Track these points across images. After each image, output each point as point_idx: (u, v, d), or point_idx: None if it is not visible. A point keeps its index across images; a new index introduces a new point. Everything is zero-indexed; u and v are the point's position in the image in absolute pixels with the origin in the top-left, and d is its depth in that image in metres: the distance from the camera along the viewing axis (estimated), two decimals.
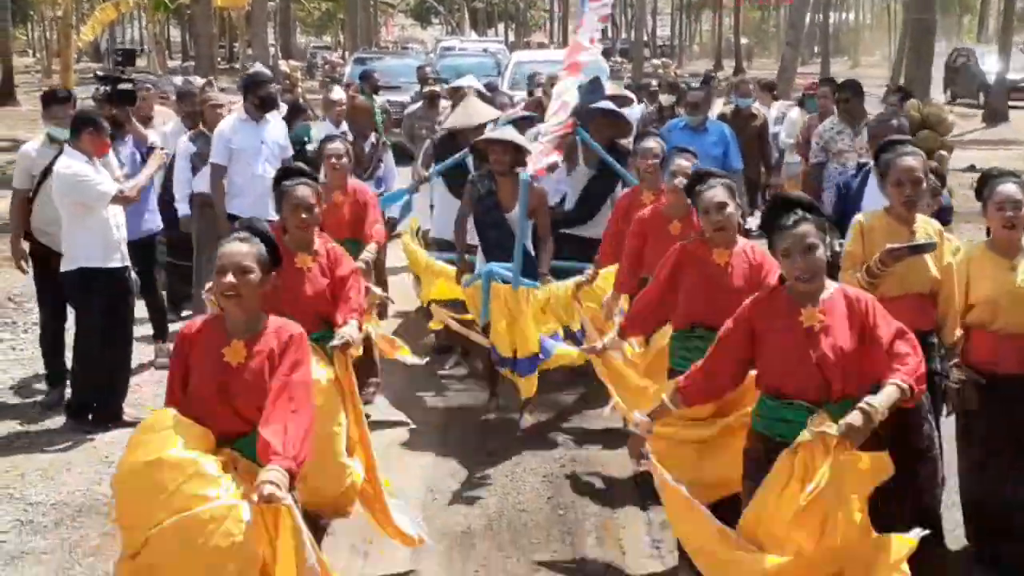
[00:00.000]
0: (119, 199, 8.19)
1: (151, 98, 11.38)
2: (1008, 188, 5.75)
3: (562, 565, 6.21)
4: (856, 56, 73.78)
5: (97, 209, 8.09)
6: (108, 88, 9.59)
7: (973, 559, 6.04)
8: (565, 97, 9.07)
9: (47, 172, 8.32)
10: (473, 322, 8.46)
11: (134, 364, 8.70)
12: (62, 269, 8.23)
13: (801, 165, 12.90)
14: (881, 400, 4.33)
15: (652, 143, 7.91)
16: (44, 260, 8.56)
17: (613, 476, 7.38)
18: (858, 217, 6.00)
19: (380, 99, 15.80)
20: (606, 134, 9.24)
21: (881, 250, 5.52)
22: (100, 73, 12.82)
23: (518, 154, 8.11)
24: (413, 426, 8.22)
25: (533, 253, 8.21)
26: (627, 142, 9.70)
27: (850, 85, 10.87)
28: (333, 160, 7.97)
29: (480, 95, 11.31)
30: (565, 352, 7.86)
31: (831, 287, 4.68)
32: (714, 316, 5.23)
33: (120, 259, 8.28)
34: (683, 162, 6.84)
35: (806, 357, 4.54)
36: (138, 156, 9.51)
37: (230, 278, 4.37)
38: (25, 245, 8.69)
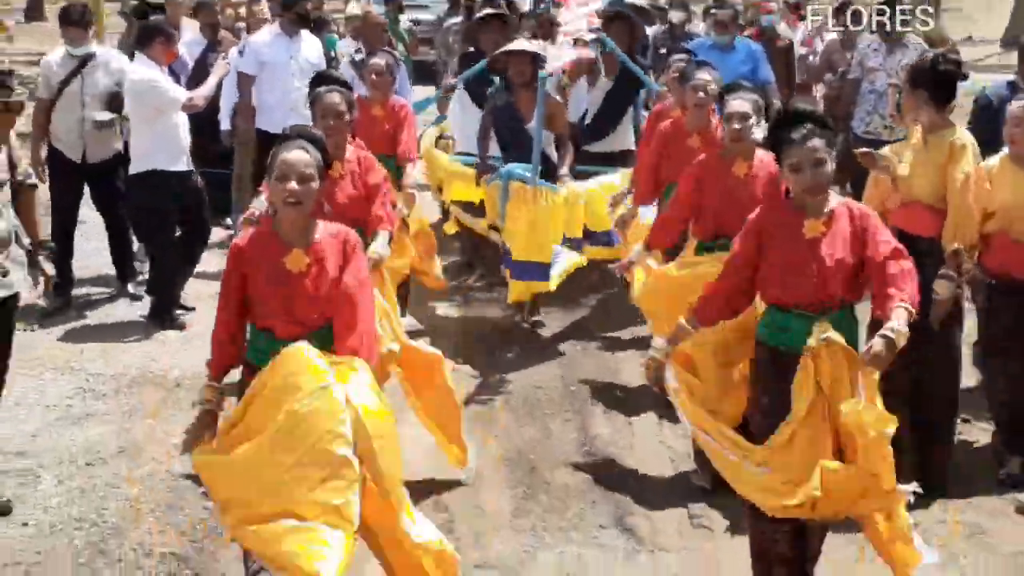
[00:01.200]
0: (187, 105, 8.50)
1: (179, 9, 11.47)
2: (1016, 107, 6.03)
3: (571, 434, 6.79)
4: None
5: (168, 113, 8.42)
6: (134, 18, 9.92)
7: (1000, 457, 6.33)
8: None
9: (67, 82, 8.63)
10: (491, 227, 8.65)
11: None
12: (131, 171, 8.60)
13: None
14: (901, 325, 4.31)
15: (682, 61, 7.83)
16: (59, 165, 8.80)
17: (629, 384, 7.77)
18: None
19: (404, 18, 15.98)
20: (623, 40, 9.33)
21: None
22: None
23: (536, 65, 8.24)
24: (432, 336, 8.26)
25: (554, 160, 8.36)
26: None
27: (888, 3, 10.65)
28: (374, 76, 7.92)
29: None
30: (570, 263, 8.15)
31: (835, 200, 4.73)
32: (737, 226, 5.15)
33: (186, 163, 8.61)
34: (705, 76, 6.87)
35: (808, 267, 4.62)
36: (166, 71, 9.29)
37: (293, 185, 4.39)
38: (44, 152, 8.88)
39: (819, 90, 13.09)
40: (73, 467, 6.31)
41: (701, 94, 6.81)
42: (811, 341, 4.51)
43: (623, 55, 9.18)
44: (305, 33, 10.07)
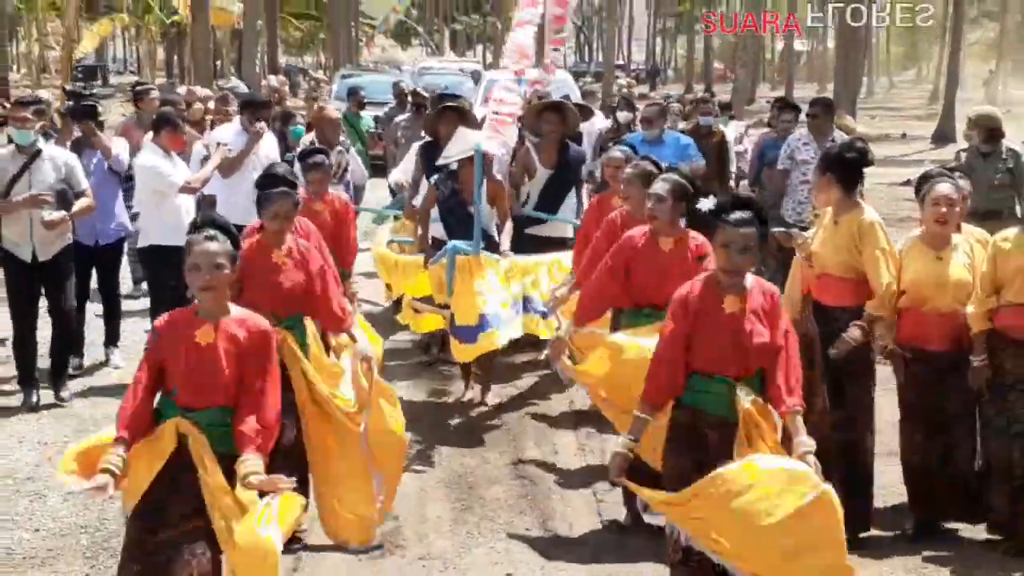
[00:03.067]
0: (185, 188, 9.27)
1: (150, 104, 11.95)
2: (944, 187, 6.48)
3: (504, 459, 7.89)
4: (824, 82, 75.50)
5: (169, 196, 9.21)
6: (72, 103, 10.20)
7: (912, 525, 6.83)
8: (512, 90, 9.44)
9: (15, 179, 8.64)
10: (441, 307, 8.86)
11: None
12: (138, 245, 9.65)
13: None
14: (808, 438, 4.96)
15: (617, 152, 8.38)
16: (10, 265, 8.96)
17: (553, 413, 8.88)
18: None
19: (367, 115, 16.98)
20: (553, 128, 9.83)
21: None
22: (68, 88, 14.05)
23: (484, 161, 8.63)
24: None
25: (496, 237, 8.90)
26: (579, 149, 10.51)
27: (821, 102, 11.63)
28: (318, 174, 8.18)
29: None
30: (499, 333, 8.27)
31: (750, 279, 5.13)
32: (662, 297, 5.80)
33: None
34: (615, 154, 7.77)
35: (728, 339, 5.05)
36: (105, 166, 9.79)
37: (206, 275, 4.81)
38: None
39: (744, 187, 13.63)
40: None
41: (620, 170, 7.68)
42: (744, 403, 5.04)
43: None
44: (266, 134, 10.62)
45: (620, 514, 6.95)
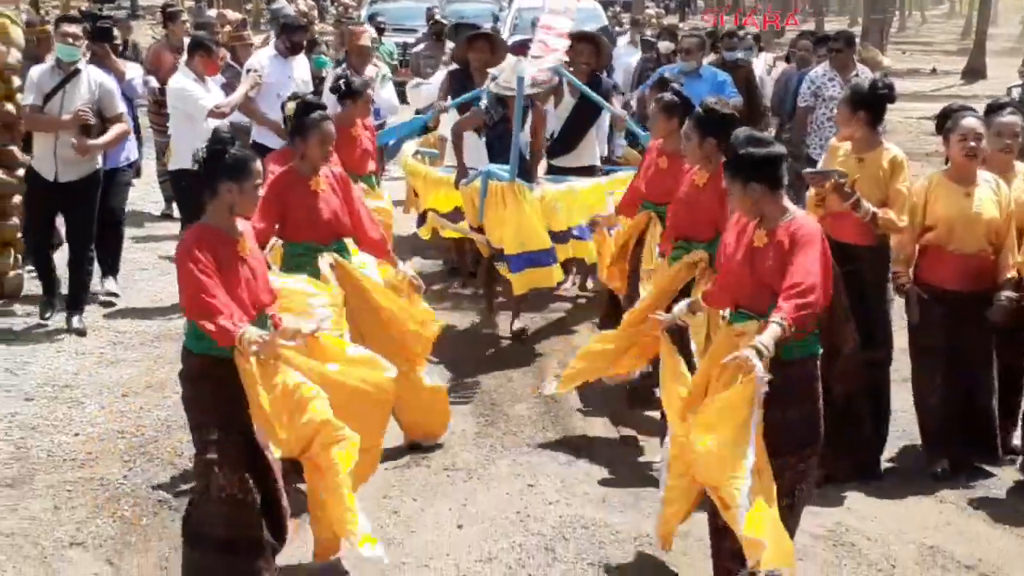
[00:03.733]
0: (214, 113, 9.13)
1: (180, 28, 12.36)
2: (970, 120, 6.41)
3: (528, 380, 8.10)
4: (856, 15, 74.82)
5: (198, 119, 9.09)
6: (87, 25, 9.84)
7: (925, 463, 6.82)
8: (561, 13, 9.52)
9: (50, 95, 8.64)
10: (472, 227, 8.88)
11: None
12: (170, 167, 9.72)
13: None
14: (767, 339, 4.57)
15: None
16: (33, 182, 8.95)
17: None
18: (832, 140, 6.85)
19: (388, 41, 17.03)
20: (585, 60, 9.67)
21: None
22: (83, 9, 14.12)
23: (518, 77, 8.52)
24: None
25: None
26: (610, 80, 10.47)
27: (844, 36, 11.39)
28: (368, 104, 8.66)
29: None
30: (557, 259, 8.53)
31: (788, 216, 4.93)
32: (694, 231, 6.44)
33: None
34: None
35: (749, 274, 4.98)
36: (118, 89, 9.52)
37: (261, 189, 5.08)
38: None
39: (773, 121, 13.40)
40: (111, 396, 7.60)
41: (653, 106, 7.54)
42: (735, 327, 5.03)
43: (582, 85, 9.50)
44: (299, 56, 10.76)
45: (635, 431, 7.24)
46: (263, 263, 5.22)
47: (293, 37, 10.54)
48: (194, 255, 4.73)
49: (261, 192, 5.05)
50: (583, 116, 9.87)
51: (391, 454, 6.67)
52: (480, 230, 8.72)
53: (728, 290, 5.21)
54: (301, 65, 10.79)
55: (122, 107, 9.06)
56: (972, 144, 6.37)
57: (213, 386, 4.88)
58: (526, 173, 8.71)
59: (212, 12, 17.98)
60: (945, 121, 6.55)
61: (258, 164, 4.97)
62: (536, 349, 8.91)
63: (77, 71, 8.73)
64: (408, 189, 10.71)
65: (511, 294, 8.97)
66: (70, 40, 8.66)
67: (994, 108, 6.74)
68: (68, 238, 9.14)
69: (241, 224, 5.05)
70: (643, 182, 7.41)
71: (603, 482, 6.58)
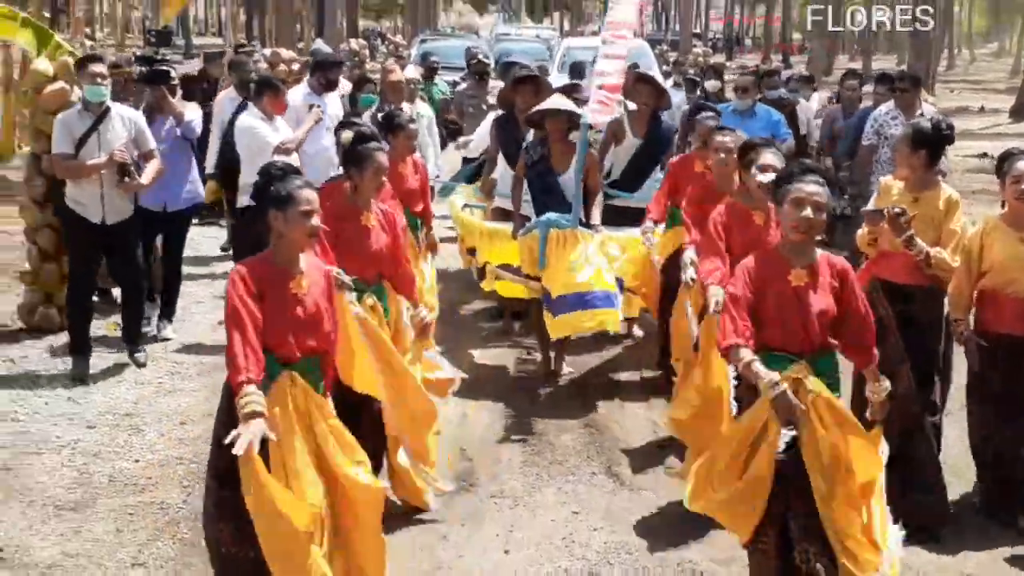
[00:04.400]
0: (280, 149, 9.07)
1: (216, 68, 12.77)
2: (1023, 164, 6.32)
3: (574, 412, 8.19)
4: (902, 53, 74.79)
5: (264, 155, 8.71)
6: (144, 69, 10.08)
7: (985, 515, 6.67)
8: (618, 55, 9.31)
9: (84, 138, 8.52)
10: (528, 277, 8.74)
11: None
12: (238, 205, 9.66)
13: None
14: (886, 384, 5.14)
15: (709, 120, 8.48)
16: (77, 226, 8.75)
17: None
18: (884, 178, 6.83)
19: (440, 81, 17.20)
20: (645, 100, 9.66)
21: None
22: (138, 53, 14.14)
23: (571, 121, 8.64)
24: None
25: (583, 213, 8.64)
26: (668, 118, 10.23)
27: (910, 76, 11.47)
28: (411, 140, 8.45)
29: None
30: (605, 312, 8.15)
31: (817, 253, 5.05)
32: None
33: None
34: (723, 139, 7.39)
35: (793, 313, 4.94)
36: (176, 131, 9.69)
37: (316, 220, 4.92)
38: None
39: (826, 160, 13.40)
40: (170, 424, 7.85)
41: (722, 155, 7.37)
42: (787, 372, 4.89)
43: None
44: (332, 93, 10.90)
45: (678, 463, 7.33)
46: (327, 305, 5.07)
47: (328, 74, 10.74)
48: (232, 287, 4.77)
49: (314, 221, 4.91)
50: (645, 159, 9.87)
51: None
52: (539, 279, 8.57)
53: (769, 331, 4.99)
54: (334, 102, 10.90)
55: (153, 143, 8.96)
56: (1023, 187, 6.28)
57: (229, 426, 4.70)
58: (586, 219, 8.63)
59: (267, 51, 18.32)
60: (1003, 164, 6.47)
61: (306, 192, 4.90)
62: (581, 387, 8.98)
63: (107, 111, 8.65)
64: (460, 241, 10.61)
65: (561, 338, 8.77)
66: (98, 80, 8.60)
67: (1009, 154, 6.55)
68: (119, 279, 9.24)
69: (307, 262, 5.03)
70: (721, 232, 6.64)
71: (646, 510, 6.74)
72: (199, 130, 9.94)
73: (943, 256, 6.29)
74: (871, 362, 5.22)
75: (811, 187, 4.92)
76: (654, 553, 6.15)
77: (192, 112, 9.89)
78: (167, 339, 9.74)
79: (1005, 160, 6.44)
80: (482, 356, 9.62)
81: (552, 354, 9.13)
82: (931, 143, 6.50)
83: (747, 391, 5.13)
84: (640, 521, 6.59)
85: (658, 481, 7.19)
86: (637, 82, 9.94)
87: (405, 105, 10.66)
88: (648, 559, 6.08)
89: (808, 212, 4.89)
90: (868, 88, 14.67)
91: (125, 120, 8.76)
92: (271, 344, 4.81)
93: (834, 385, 5.06)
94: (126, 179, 8.50)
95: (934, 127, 6.54)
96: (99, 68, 8.74)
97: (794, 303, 4.96)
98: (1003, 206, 6.51)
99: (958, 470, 7.06)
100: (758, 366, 4.83)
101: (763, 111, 11.32)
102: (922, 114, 9.84)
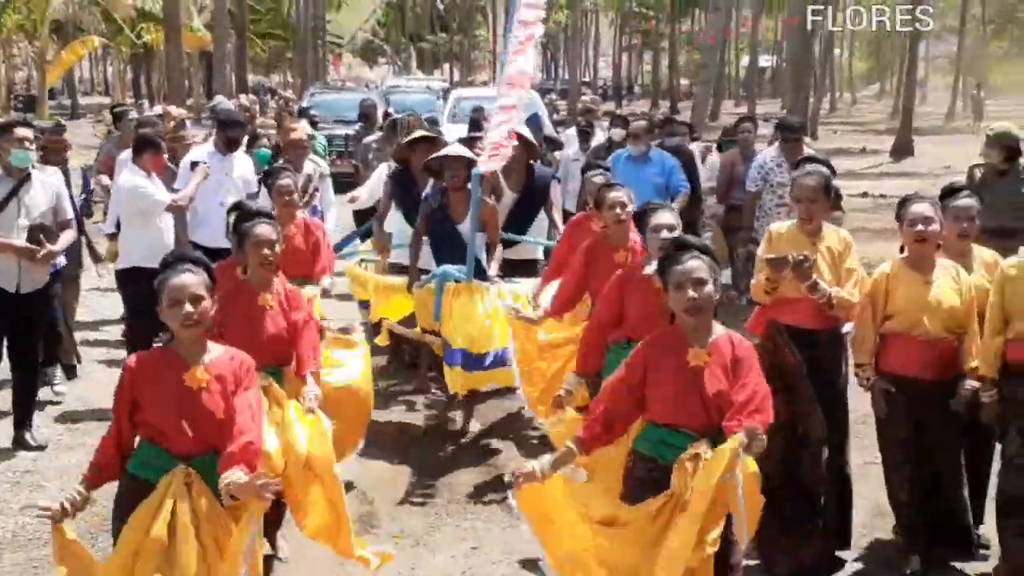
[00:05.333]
0: (171, 207, 9.22)
1: (129, 128, 12.18)
2: (921, 206, 6.28)
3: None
4: (787, 99, 76.45)
5: (152, 215, 9.13)
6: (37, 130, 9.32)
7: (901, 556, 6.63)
8: (511, 111, 8.97)
9: (4, 203, 8.27)
10: (424, 331, 8.77)
11: None
12: (116, 267, 9.46)
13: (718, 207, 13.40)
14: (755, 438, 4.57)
15: (597, 177, 8.49)
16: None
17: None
18: (772, 225, 6.71)
19: (320, 135, 17.22)
20: (521, 152, 9.63)
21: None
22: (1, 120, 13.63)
23: (470, 169, 8.53)
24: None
25: (484, 263, 8.60)
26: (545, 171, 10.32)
27: (799, 126, 11.70)
28: (285, 197, 8.04)
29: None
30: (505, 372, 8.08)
31: (719, 330, 4.91)
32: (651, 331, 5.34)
33: None
34: (615, 194, 7.19)
35: (692, 394, 4.80)
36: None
37: (188, 308, 4.68)
38: None
39: (710, 206, 13.55)
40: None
41: (618, 210, 7.13)
42: (684, 455, 4.73)
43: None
44: (238, 152, 10.48)
45: None
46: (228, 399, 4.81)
47: (229, 133, 10.32)
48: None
49: (185, 308, 4.73)
50: (524, 210, 9.91)
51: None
52: (436, 333, 8.56)
53: (665, 410, 4.90)
54: (242, 163, 10.55)
55: (71, 212, 8.83)
56: (920, 228, 6.25)
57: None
58: (480, 272, 8.51)
59: (158, 108, 18.35)
60: (901, 209, 6.42)
61: (178, 279, 4.77)
62: (485, 436, 9.05)
63: (28, 176, 8.41)
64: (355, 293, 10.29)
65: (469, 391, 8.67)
66: (26, 144, 8.34)
67: (949, 192, 6.64)
68: (16, 351, 8.67)
69: (217, 353, 4.88)
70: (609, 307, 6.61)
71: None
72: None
73: (843, 295, 6.26)
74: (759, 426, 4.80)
75: (688, 264, 4.82)
76: None
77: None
78: (59, 393, 9.72)
79: (903, 205, 6.41)
80: (384, 415, 9.38)
81: (460, 412, 9.15)
82: (830, 191, 6.54)
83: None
84: (537, 554, 6.73)
85: None
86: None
87: (308, 164, 10.68)
88: None
89: (691, 292, 4.78)
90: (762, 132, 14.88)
91: (46, 185, 8.57)
92: (159, 438, 4.74)
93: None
94: (41, 248, 8.26)
95: (831, 172, 6.65)
96: (25, 132, 8.46)
97: (691, 382, 4.82)
98: (902, 250, 6.50)
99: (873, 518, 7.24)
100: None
101: (658, 156, 11.36)
102: (805, 159, 10.22)
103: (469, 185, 8.52)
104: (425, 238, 8.90)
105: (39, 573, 6.49)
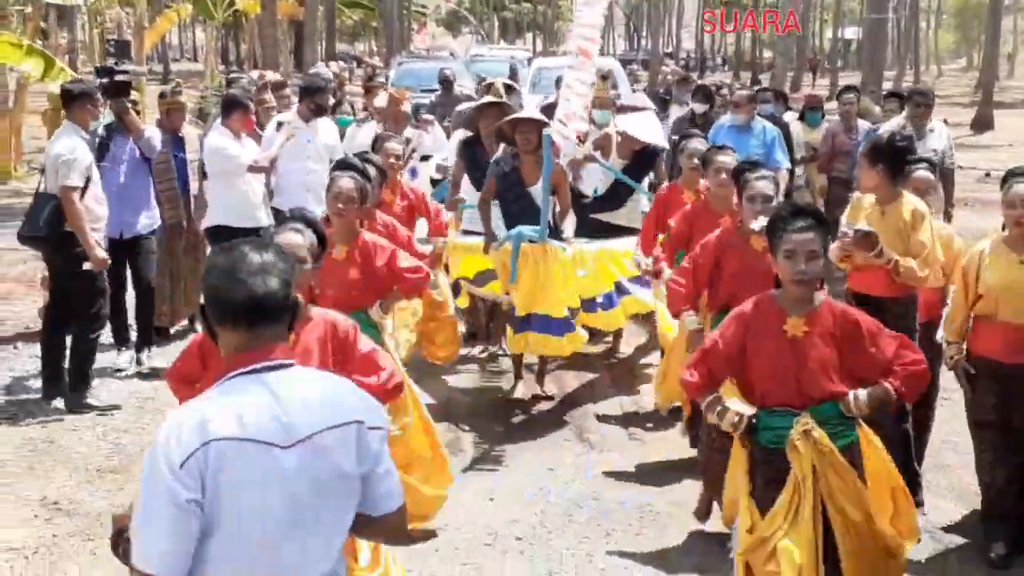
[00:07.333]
0: (253, 168, 9.54)
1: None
2: (1022, 188, 6.09)
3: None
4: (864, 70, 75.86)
5: (236, 176, 9.50)
6: (104, 80, 9.50)
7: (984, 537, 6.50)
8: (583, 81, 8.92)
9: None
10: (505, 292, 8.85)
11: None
12: (204, 225, 9.87)
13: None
14: (862, 395, 4.74)
15: (696, 144, 8.38)
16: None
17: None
18: (856, 194, 6.81)
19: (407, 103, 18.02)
20: (626, 148, 9.81)
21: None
22: (97, 65, 13.22)
23: (542, 133, 8.50)
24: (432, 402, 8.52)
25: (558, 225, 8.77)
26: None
27: (922, 93, 11.35)
28: (391, 159, 8.32)
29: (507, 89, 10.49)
30: (577, 337, 8.51)
31: (819, 298, 4.83)
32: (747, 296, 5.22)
33: (254, 221, 9.41)
34: (723, 158, 7.26)
35: (789, 366, 4.75)
36: (136, 152, 9.45)
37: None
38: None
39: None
40: None
41: (723, 175, 7.15)
42: (792, 434, 4.73)
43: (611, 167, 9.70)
44: (321, 119, 10.52)
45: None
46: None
47: (316, 99, 10.39)
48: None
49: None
50: (631, 175, 9.86)
51: None
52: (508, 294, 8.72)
53: (762, 388, 4.90)
54: (326, 128, 10.61)
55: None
56: (1019, 211, 6.10)
57: None
58: (556, 232, 8.69)
59: (254, 74, 19.19)
60: (1004, 185, 6.27)
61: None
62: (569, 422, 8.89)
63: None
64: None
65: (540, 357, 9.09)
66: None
67: (1011, 174, 6.31)
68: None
69: (320, 311, 4.86)
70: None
71: (610, 467, 7.74)
72: (158, 147, 9.59)
73: (911, 265, 6.24)
74: (923, 386, 4.99)
75: (803, 236, 4.71)
76: (617, 499, 7.16)
77: (151, 129, 9.67)
78: (154, 369, 9.38)
79: (1005, 181, 6.27)
80: (458, 381, 9.72)
81: (531, 375, 9.29)
82: (888, 157, 6.46)
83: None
84: (605, 475, 7.60)
85: (621, 444, 8.22)
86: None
87: (409, 130, 10.99)
88: (612, 504, 7.08)
89: (802, 266, 4.71)
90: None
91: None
92: None
93: (842, 432, 4.83)
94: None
95: (888, 141, 6.59)
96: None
97: (788, 354, 4.78)
98: (1004, 228, 6.31)
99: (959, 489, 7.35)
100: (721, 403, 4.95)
101: (759, 128, 11.19)
102: (931, 130, 10.65)
103: (541, 149, 8.52)
104: (495, 201, 8.99)
105: None
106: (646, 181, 10.14)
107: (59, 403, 8.67)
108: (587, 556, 6.45)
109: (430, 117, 12.47)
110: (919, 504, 6.37)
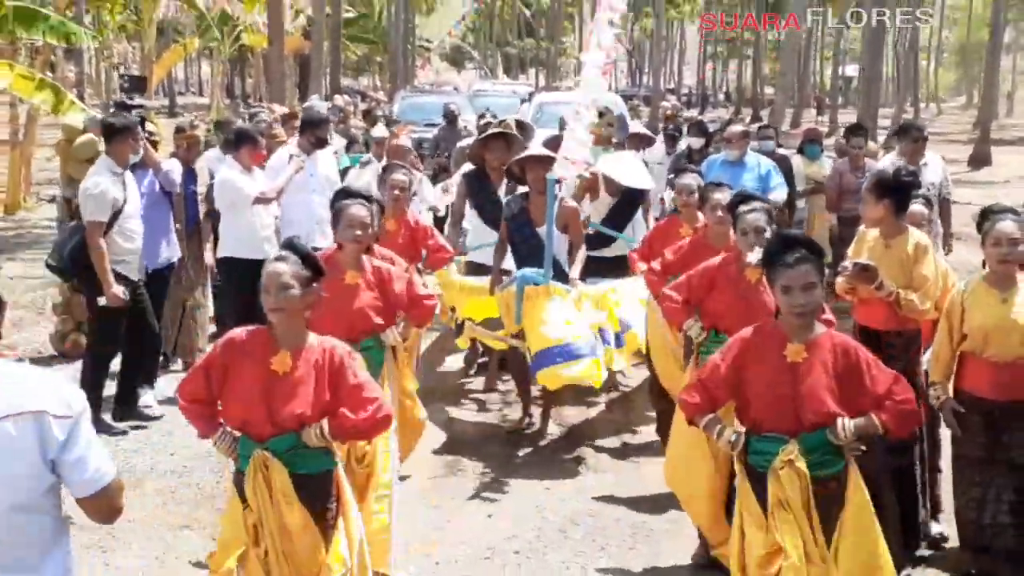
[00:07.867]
0: (260, 199, 9.55)
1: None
2: (1006, 225, 6.05)
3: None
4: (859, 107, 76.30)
5: (244, 208, 9.51)
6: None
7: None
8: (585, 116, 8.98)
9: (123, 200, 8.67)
10: (512, 335, 8.72)
11: None
12: (217, 255, 9.95)
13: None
14: (850, 425, 4.81)
15: (690, 179, 8.29)
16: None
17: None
18: (861, 227, 6.87)
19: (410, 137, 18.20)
20: (614, 186, 9.87)
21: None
22: (114, 100, 13.84)
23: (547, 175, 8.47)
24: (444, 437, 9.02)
25: (565, 266, 8.65)
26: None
27: (918, 127, 11.32)
28: (396, 191, 8.28)
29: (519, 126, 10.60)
30: (585, 370, 8.06)
31: (819, 329, 4.95)
32: (740, 326, 5.31)
33: (262, 253, 8.61)
34: (719, 196, 7.20)
35: (786, 391, 4.84)
36: (156, 186, 9.62)
37: (272, 296, 4.68)
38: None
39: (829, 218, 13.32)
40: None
41: (720, 212, 7.15)
42: (775, 462, 4.82)
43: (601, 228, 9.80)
44: (322, 151, 10.59)
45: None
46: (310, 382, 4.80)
47: (317, 132, 10.45)
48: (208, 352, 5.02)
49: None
50: (618, 216, 9.99)
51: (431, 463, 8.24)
52: (519, 336, 8.59)
53: (757, 410, 4.99)
54: (325, 161, 10.73)
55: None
56: (1004, 250, 6.08)
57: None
58: (561, 274, 8.57)
59: (262, 107, 19.47)
60: (984, 222, 6.23)
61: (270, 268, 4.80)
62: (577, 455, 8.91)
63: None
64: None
65: (546, 391, 8.97)
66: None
67: (990, 213, 6.30)
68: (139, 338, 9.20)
69: (319, 339, 4.89)
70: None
71: (606, 487, 8.01)
72: (178, 180, 9.79)
73: (912, 299, 6.35)
74: (913, 425, 5.22)
75: (796, 271, 4.81)
76: (612, 517, 7.42)
77: (170, 163, 9.83)
78: (149, 409, 9.32)
79: (985, 218, 6.23)
80: (460, 413, 9.83)
81: (538, 410, 9.28)
82: (894, 191, 6.54)
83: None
84: (601, 495, 7.85)
85: (618, 467, 8.48)
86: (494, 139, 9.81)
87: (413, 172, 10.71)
88: (607, 521, 7.35)
89: (800, 299, 4.82)
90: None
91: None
92: (238, 423, 4.81)
93: (829, 461, 4.92)
94: None
95: (895, 175, 6.62)
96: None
97: (787, 379, 4.88)
98: (984, 265, 6.35)
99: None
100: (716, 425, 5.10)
101: (753, 162, 11.23)
102: (926, 164, 10.63)
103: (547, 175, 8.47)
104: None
105: (176, 496, 7.69)
106: (634, 224, 10.13)
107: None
108: (582, 569, 6.72)
109: (419, 175, 11.97)
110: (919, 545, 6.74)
